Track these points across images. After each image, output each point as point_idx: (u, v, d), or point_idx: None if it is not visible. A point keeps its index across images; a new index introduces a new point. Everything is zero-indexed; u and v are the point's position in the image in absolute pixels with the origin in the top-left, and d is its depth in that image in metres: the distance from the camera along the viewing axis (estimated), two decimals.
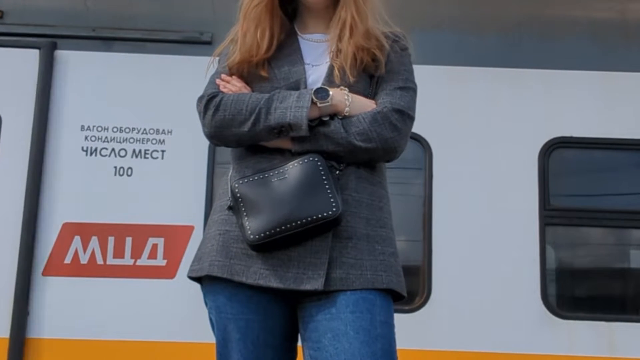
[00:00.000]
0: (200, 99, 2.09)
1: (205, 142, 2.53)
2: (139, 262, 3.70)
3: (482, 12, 4.08)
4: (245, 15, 2.10)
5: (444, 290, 3.69)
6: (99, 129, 3.85)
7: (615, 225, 3.95)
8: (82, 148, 3.82)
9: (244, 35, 2.08)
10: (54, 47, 3.90)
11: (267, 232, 1.90)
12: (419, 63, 2.18)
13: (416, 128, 2.14)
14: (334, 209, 1.89)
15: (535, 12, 4.10)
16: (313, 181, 1.92)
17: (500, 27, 4.06)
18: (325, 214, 1.88)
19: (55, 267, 3.68)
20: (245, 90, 2.07)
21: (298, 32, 2.16)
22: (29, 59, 3.87)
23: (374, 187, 2.04)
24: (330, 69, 2.05)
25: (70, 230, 3.72)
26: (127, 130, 3.85)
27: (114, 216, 3.74)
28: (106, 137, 3.83)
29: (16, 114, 3.82)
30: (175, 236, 3.72)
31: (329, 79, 2.04)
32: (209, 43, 3.88)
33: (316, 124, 1.97)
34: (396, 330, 1.96)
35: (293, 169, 1.95)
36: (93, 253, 3.69)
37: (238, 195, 1.96)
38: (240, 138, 2.02)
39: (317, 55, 2.11)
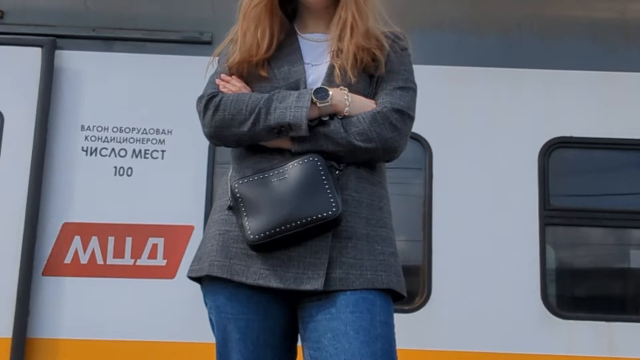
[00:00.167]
0: (200, 98, 2.09)
1: (205, 142, 2.53)
2: (139, 262, 3.70)
3: (482, 12, 4.08)
4: (245, 15, 2.09)
5: (444, 290, 3.68)
6: (99, 129, 3.84)
7: (615, 225, 3.95)
8: (82, 148, 3.81)
9: (243, 35, 2.08)
10: (55, 46, 3.90)
11: (267, 232, 1.90)
12: (419, 63, 2.18)
13: (416, 128, 2.14)
14: (334, 209, 1.89)
15: (535, 12, 4.09)
16: (313, 181, 1.92)
17: (500, 27, 4.06)
18: (325, 214, 1.88)
19: (55, 267, 3.68)
20: (245, 90, 2.07)
21: (298, 32, 2.16)
22: (31, 57, 3.87)
23: (374, 187, 2.04)
24: (331, 68, 2.05)
25: (70, 230, 3.72)
26: (127, 130, 3.85)
27: (114, 216, 3.74)
28: (106, 137, 3.83)
29: (19, 112, 3.81)
30: (175, 236, 3.72)
31: (329, 79, 2.04)
32: (209, 43, 3.88)
33: (316, 124, 1.97)
34: (396, 330, 1.96)
35: (293, 169, 1.95)
36: (93, 253, 3.69)
37: (238, 195, 1.96)
38: (240, 138, 2.02)
39: (317, 55, 2.11)
